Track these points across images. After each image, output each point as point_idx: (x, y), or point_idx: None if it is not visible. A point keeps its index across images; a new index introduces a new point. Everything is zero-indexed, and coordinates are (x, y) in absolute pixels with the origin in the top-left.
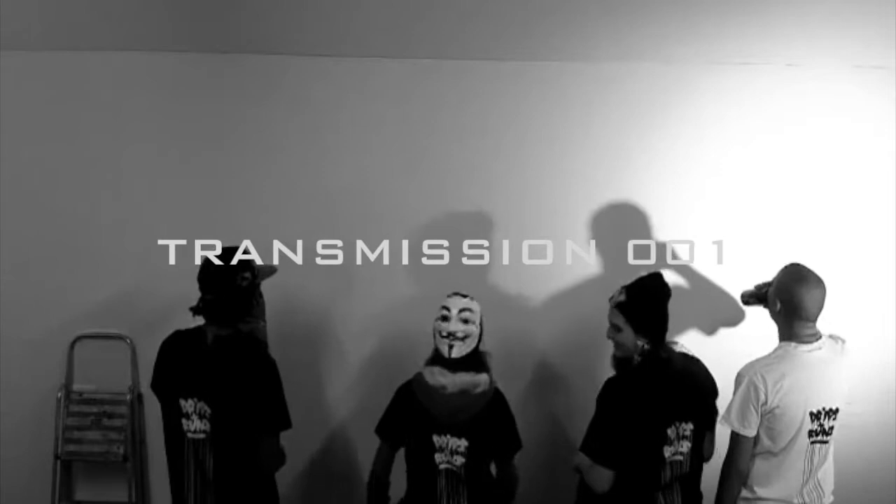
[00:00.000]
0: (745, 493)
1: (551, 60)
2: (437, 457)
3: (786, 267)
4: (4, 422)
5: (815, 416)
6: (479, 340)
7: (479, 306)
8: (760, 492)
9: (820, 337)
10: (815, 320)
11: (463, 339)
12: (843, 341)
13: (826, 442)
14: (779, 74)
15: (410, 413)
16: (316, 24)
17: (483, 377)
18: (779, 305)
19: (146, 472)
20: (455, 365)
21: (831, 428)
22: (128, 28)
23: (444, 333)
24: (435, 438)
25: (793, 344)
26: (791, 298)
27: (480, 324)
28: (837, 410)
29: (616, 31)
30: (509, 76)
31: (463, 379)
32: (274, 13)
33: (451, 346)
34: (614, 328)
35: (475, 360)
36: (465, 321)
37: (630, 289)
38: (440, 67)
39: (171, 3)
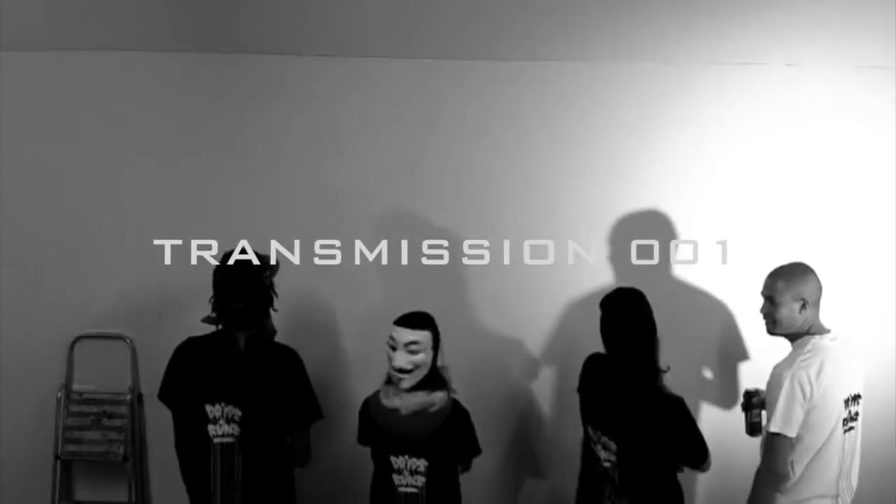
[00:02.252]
0: (787, 496)
1: (551, 60)
2: (396, 478)
3: (777, 273)
4: (4, 422)
5: (846, 403)
6: (435, 358)
7: (427, 334)
8: (802, 491)
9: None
10: None
11: (411, 370)
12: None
13: (854, 428)
14: (779, 74)
15: (369, 432)
16: (316, 24)
17: (438, 395)
18: (798, 305)
19: (146, 472)
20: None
21: (857, 413)
22: (128, 28)
23: (395, 367)
24: (392, 459)
25: (816, 336)
26: (810, 288)
27: (433, 345)
28: (860, 396)
29: (616, 31)
30: (509, 76)
31: (417, 400)
32: (274, 13)
33: (400, 380)
34: None
35: (430, 380)
36: (413, 352)
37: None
38: (440, 67)
39: (171, 3)
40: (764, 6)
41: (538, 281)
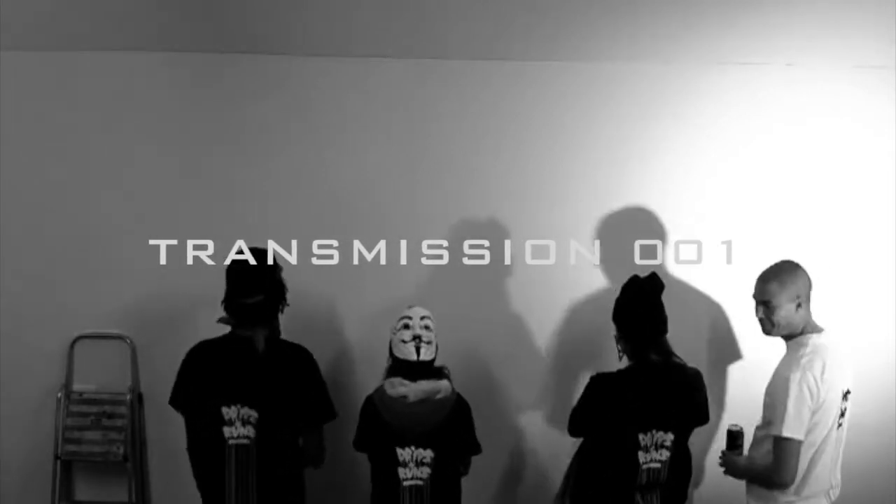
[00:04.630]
0: (788, 497)
1: (551, 60)
2: (401, 471)
3: (767, 276)
4: (4, 422)
5: (842, 399)
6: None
7: (433, 319)
8: (805, 488)
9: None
10: None
11: (428, 343)
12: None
13: (842, 424)
14: (779, 74)
15: (374, 427)
16: (316, 24)
17: (444, 383)
18: (794, 304)
19: (146, 472)
20: (416, 374)
21: (846, 409)
22: (128, 28)
23: (409, 337)
24: (398, 451)
25: (812, 335)
26: (803, 286)
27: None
28: (850, 392)
29: (616, 31)
30: (509, 76)
31: (424, 387)
32: (275, 13)
33: (418, 348)
34: None
35: (434, 370)
36: (427, 328)
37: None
38: (440, 67)
39: (172, 3)
40: (764, 6)
41: (540, 281)
